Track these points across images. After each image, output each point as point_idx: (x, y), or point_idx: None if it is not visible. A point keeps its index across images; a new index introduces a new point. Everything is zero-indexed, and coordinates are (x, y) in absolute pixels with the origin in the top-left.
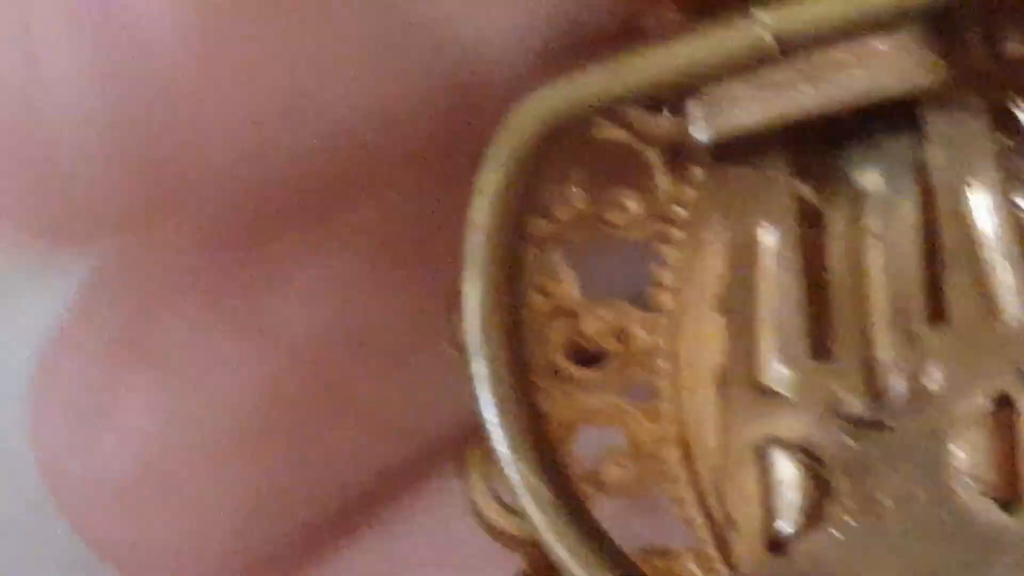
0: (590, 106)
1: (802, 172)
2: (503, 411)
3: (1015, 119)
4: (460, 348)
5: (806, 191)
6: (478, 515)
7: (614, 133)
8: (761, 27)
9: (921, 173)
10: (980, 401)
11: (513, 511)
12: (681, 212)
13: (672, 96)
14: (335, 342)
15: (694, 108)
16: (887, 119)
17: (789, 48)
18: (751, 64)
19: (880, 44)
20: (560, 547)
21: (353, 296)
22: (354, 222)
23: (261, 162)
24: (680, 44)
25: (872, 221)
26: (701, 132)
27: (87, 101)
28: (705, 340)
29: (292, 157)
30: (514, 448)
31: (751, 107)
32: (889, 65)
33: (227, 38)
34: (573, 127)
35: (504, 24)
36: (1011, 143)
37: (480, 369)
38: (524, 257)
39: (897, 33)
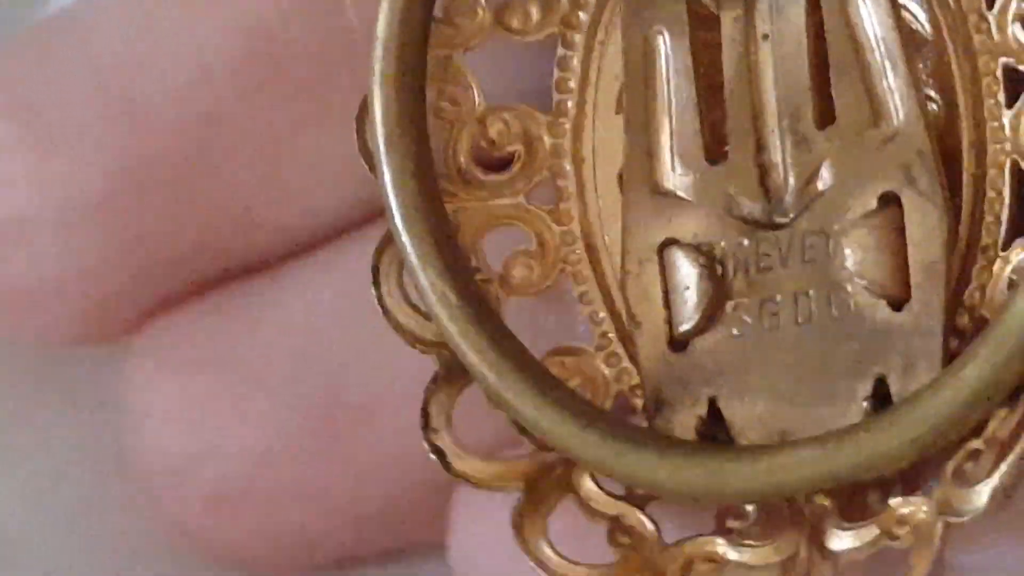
0: None
1: None
2: (409, 218)
3: None
4: (368, 157)
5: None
6: (389, 318)
7: None
8: None
9: None
10: (868, 200)
11: (424, 314)
12: (581, 16)
13: None
14: None
15: None
16: None
17: None
18: None
19: None
20: (467, 349)
21: None
22: None
23: None
24: None
25: (762, 23)
26: None
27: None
28: (608, 142)
29: None
30: (421, 254)
31: None
32: None
33: None
34: None
35: None
36: None
37: (387, 177)
38: (429, 66)
39: None
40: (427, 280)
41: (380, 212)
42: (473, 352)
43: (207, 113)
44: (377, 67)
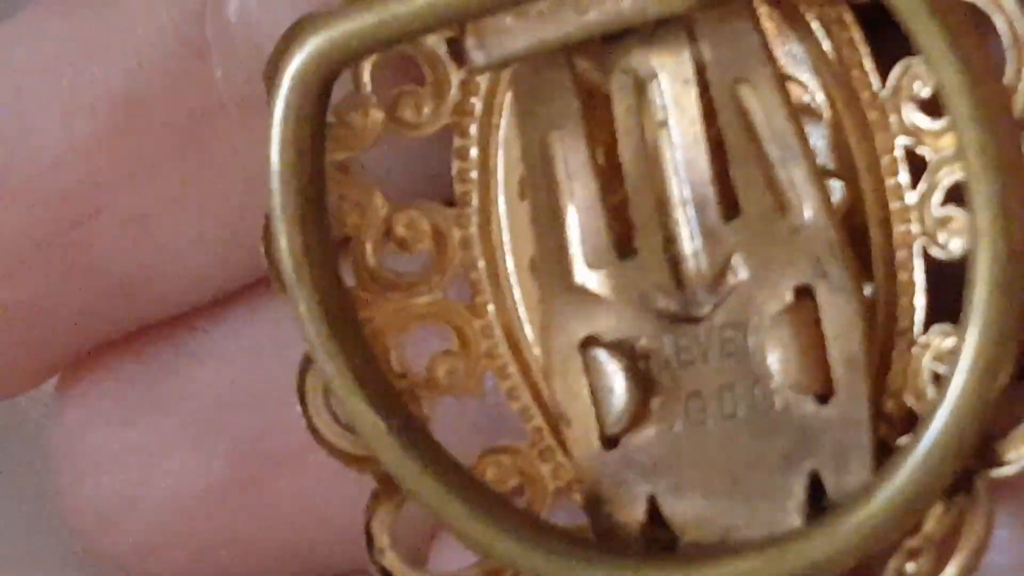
0: (361, 49)
1: (582, 66)
2: (327, 348)
3: (787, 7)
4: (279, 284)
5: (589, 80)
6: (320, 440)
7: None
8: None
9: (698, 66)
10: (782, 294)
11: (352, 430)
12: (474, 102)
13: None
14: None
15: (468, 37)
16: None
17: None
18: (510, 1)
19: None
20: (401, 474)
21: None
22: None
23: None
24: None
25: (657, 111)
26: (477, 57)
27: None
28: (517, 228)
29: None
30: (344, 383)
31: (519, 36)
32: None
33: None
34: (347, 64)
35: None
36: (790, 33)
37: (300, 307)
38: (327, 171)
39: None
40: (354, 408)
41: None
42: (408, 476)
43: (80, 186)
44: (276, 201)
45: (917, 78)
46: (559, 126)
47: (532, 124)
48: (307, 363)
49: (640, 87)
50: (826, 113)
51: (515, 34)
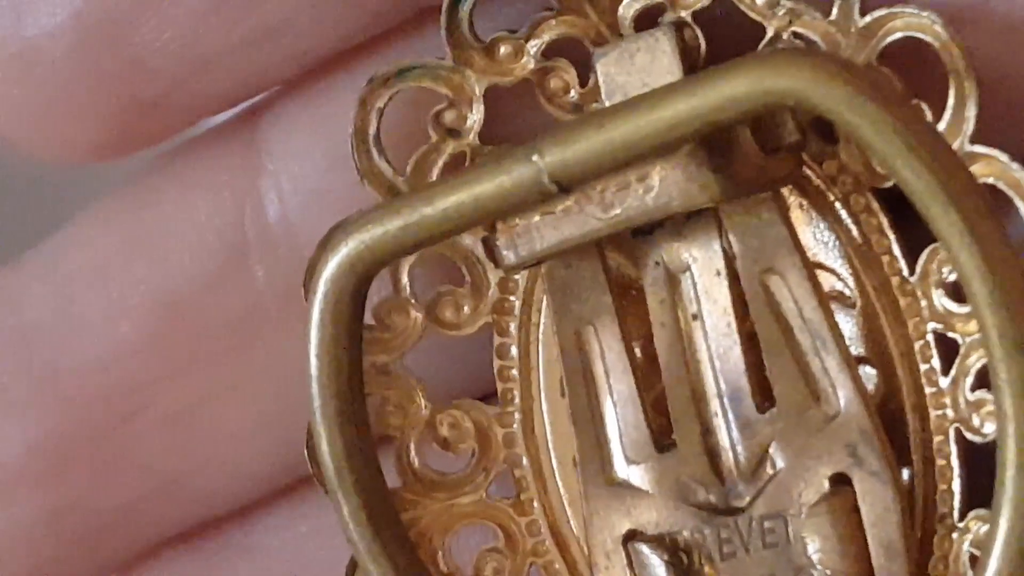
0: (392, 252)
1: (614, 260)
2: (372, 552)
3: (815, 196)
4: (323, 486)
5: (622, 274)
6: None
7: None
8: (537, 168)
9: (728, 257)
10: (819, 483)
11: None
12: (512, 300)
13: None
14: None
15: (499, 236)
16: None
17: (567, 184)
18: (535, 201)
19: (660, 166)
20: None
21: None
22: None
23: None
24: (463, 186)
25: (689, 304)
26: (508, 256)
27: None
28: (559, 425)
29: None
30: None
31: (547, 234)
32: (670, 185)
33: None
34: (380, 267)
35: None
36: (819, 222)
37: (343, 511)
38: (367, 376)
39: (674, 153)
40: None
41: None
42: None
43: (125, 385)
44: (315, 405)
45: (944, 263)
46: (594, 321)
47: (567, 320)
48: (353, 566)
49: (672, 280)
50: (858, 300)
51: (543, 232)
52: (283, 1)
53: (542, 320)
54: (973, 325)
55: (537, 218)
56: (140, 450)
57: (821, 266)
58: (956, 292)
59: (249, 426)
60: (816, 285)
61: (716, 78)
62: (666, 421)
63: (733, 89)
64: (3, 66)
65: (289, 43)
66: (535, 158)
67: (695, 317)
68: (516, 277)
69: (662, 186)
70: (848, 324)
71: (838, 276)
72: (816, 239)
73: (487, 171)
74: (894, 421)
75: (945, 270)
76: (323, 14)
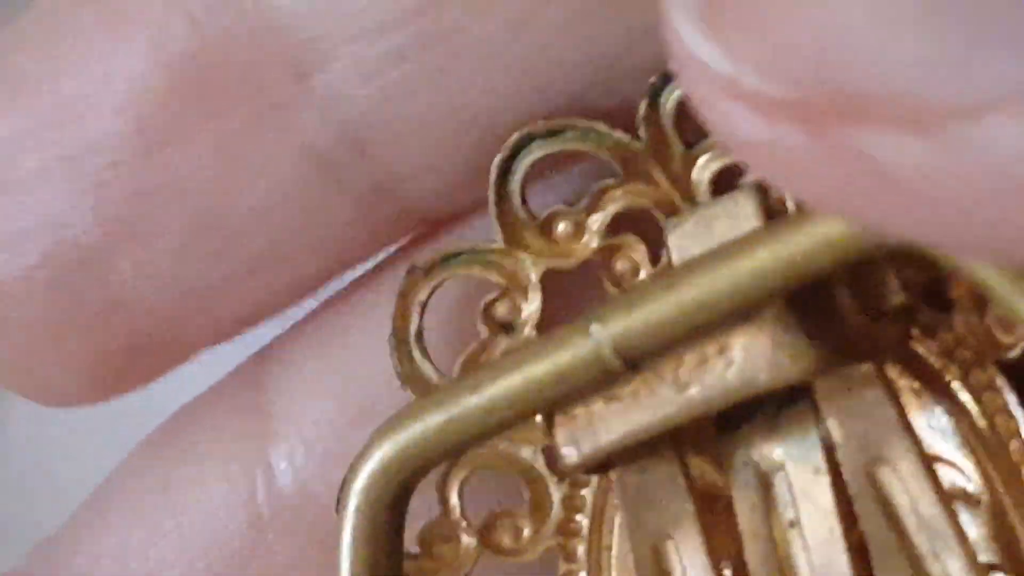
0: (434, 453)
1: (695, 463)
2: None
3: (926, 376)
4: None
5: (706, 481)
6: None
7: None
8: (598, 341)
9: (828, 449)
10: None
11: None
12: (580, 520)
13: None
14: None
15: (558, 430)
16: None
17: (634, 359)
18: (598, 382)
19: (743, 334)
20: None
21: None
22: None
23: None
24: (513, 368)
25: (785, 509)
26: (569, 454)
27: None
28: None
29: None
30: None
31: (613, 424)
32: (755, 357)
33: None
34: (422, 473)
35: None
36: (933, 406)
37: None
38: None
39: (759, 317)
40: None
41: None
42: None
43: None
44: None
45: None
46: (674, 533)
47: (643, 533)
48: None
49: (764, 481)
50: (984, 496)
51: (609, 421)
52: (270, 228)
53: (615, 542)
54: None
55: (601, 404)
56: None
57: (938, 458)
58: None
59: None
60: (933, 476)
61: (806, 220)
62: None
63: (828, 229)
64: None
65: (284, 270)
66: (595, 328)
67: (792, 524)
68: (583, 493)
69: (746, 358)
70: (972, 526)
71: (959, 469)
72: (931, 426)
73: (540, 350)
74: None
75: None
76: (318, 239)
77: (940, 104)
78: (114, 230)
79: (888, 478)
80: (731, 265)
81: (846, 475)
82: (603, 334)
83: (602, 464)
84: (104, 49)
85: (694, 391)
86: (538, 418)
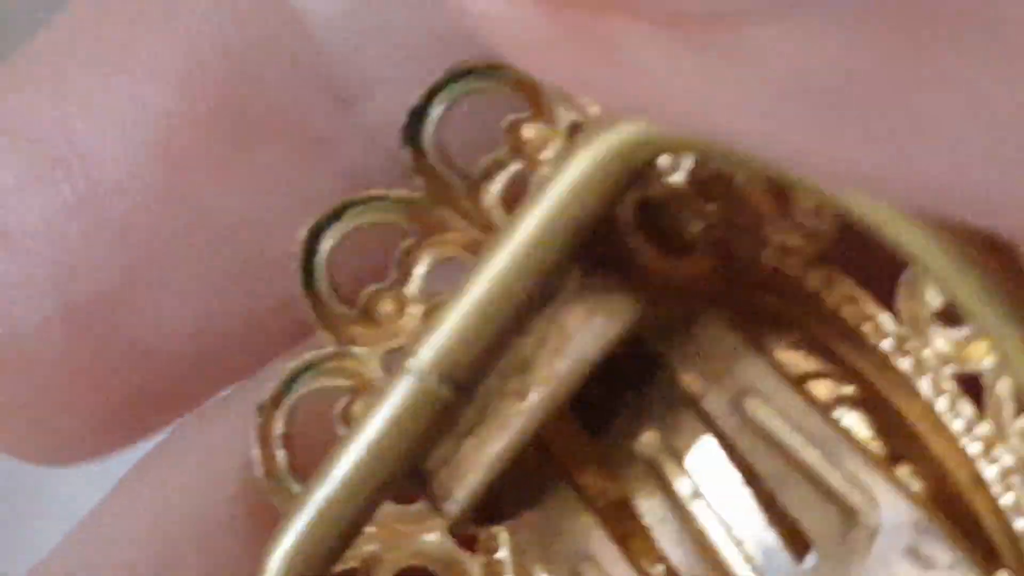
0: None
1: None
2: None
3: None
4: None
5: (607, 496)
6: None
7: None
8: (420, 376)
9: (695, 406)
10: None
11: None
12: None
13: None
14: None
15: (430, 490)
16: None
17: (463, 380)
18: (440, 421)
19: (552, 316)
20: None
21: None
22: None
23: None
24: (352, 446)
25: (682, 485)
26: (450, 507)
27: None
28: None
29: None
30: None
31: (474, 460)
32: (574, 332)
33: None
34: None
35: None
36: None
37: None
38: None
39: (561, 295)
40: None
41: None
42: None
43: None
44: None
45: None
46: (589, 554)
47: (559, 566)
48: None
49: (653, 468)
50: (859, 393)
51: (469, 460)
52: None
53: None
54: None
55: (453, 448)
56: None
57: (807, 376)
58: (945, 318)
59: None
60: (800, 390)
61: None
62: None
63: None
64: None
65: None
66: (411, 363)
67: (695, 495)
68: (498, 556)
69: (567, 338)
70: (863, 426)
71: (830, 377)
72: (789, 347)
73: (372, 413)
74: (958, 515)
75: (929, 297)
76: None
77: (702, 8)
78: (138, 274)
79: (758, 408)
80: (512, 240)
81: (718, 421)
82: (421, 365)
83: (491, 509)
84: (122, 82)
85: (534, 395)
86: None
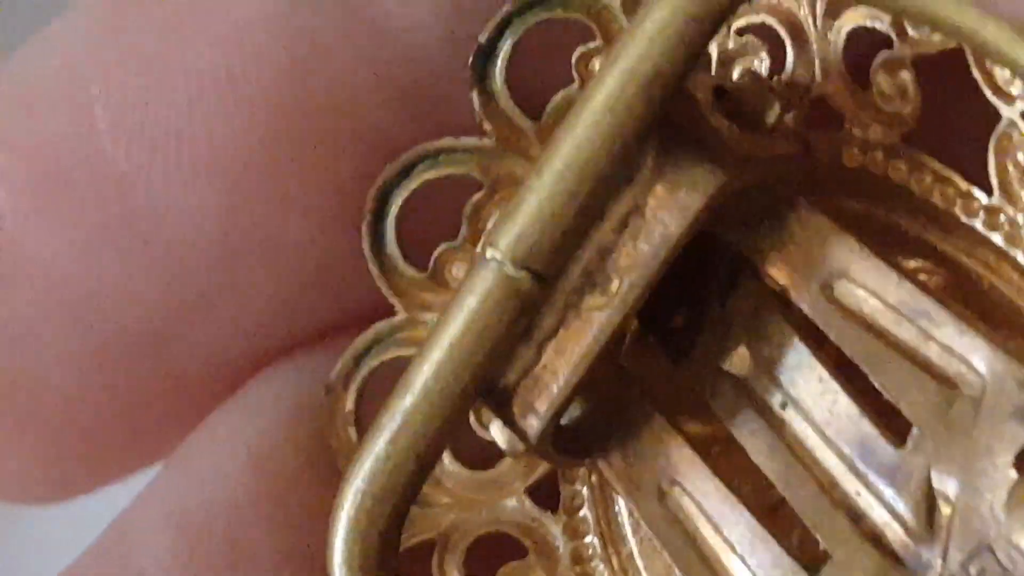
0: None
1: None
2: None
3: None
4: None
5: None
6: None
7: None
8: (498, 265)
9: (782, 299)
10: (1003, 476)
11: None
12: (591, 542)
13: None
14: None
15: (509, 412)
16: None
17: (541, 267)
18: (520, 315)
19: (630, 197)
20: None
21: None
22: None
23: None
24: (437, 341)
25: (771, 393)
26: (531, 424)
27: None
28: None
29: None
30: None
31: (557, 365)
32: (657, 210)
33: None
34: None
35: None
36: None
37: None
38: None
39: (639, 176)
40: None
41: None
42: None
43: None
44: None
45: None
46: (677, 478)
47: (645, 496)
48: None
49: (737, 381)
50: (943, 280)
51: (552, 366)
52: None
53: (628, 534)
54: None
55: (533, 352)
56: None
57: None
58: None
59: None
60: (889, 262)
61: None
62: (806, 538)
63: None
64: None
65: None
66: (489, 252)
67: (784, 405)
68: (582, 513)
69: (648, 218)
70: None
71: (922, 271)
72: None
73: (451, 308)
74: None
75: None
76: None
77: None
78: (192, 302)
79: (849, 290)
80: (586, 126)
81: (808, 311)
82: (499, 253)
83: (578, 444)
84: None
85: (617, 282)
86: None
